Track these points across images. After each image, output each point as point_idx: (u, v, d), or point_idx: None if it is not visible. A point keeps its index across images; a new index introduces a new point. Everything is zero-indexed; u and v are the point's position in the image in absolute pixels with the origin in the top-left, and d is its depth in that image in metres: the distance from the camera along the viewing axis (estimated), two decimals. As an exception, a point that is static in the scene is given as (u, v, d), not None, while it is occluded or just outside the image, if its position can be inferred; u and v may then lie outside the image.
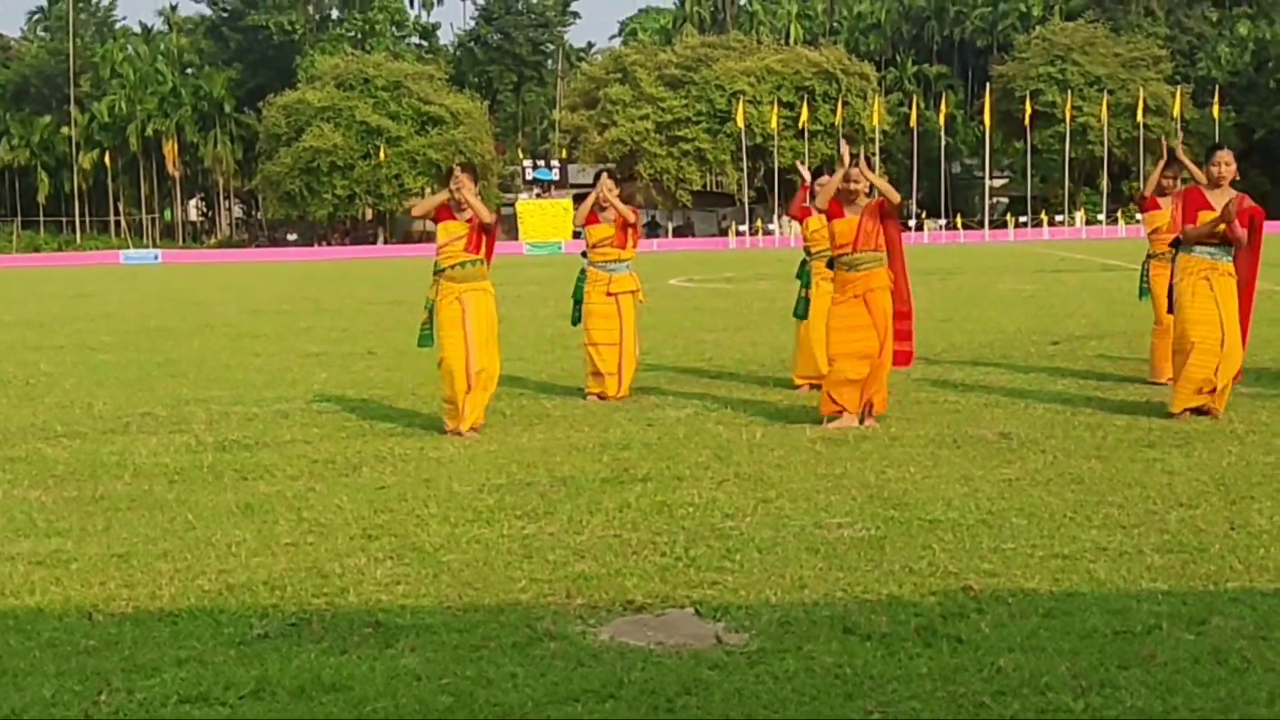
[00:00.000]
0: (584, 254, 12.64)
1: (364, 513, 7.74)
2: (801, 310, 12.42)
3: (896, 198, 10.36)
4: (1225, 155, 10.53)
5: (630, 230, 12.50)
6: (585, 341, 12.42)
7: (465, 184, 10.50)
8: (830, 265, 10.61)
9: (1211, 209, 10.20)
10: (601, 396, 12.17)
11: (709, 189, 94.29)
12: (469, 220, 10.47)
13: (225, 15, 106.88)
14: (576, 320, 12.59)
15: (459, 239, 10.42)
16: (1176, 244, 10.46)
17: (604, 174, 12.71)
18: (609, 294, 12.38)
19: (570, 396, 12.38)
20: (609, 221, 12.46)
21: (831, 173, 10.81)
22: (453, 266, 10.42)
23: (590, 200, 12.50)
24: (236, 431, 10.86)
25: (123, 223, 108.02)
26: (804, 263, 12.56)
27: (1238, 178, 10.46)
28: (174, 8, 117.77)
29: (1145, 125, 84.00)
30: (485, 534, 7.13)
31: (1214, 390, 10.09)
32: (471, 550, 6.76)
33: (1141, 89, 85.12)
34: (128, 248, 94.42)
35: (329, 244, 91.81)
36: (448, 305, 10.40)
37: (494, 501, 7.91)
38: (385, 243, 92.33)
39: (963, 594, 5.68)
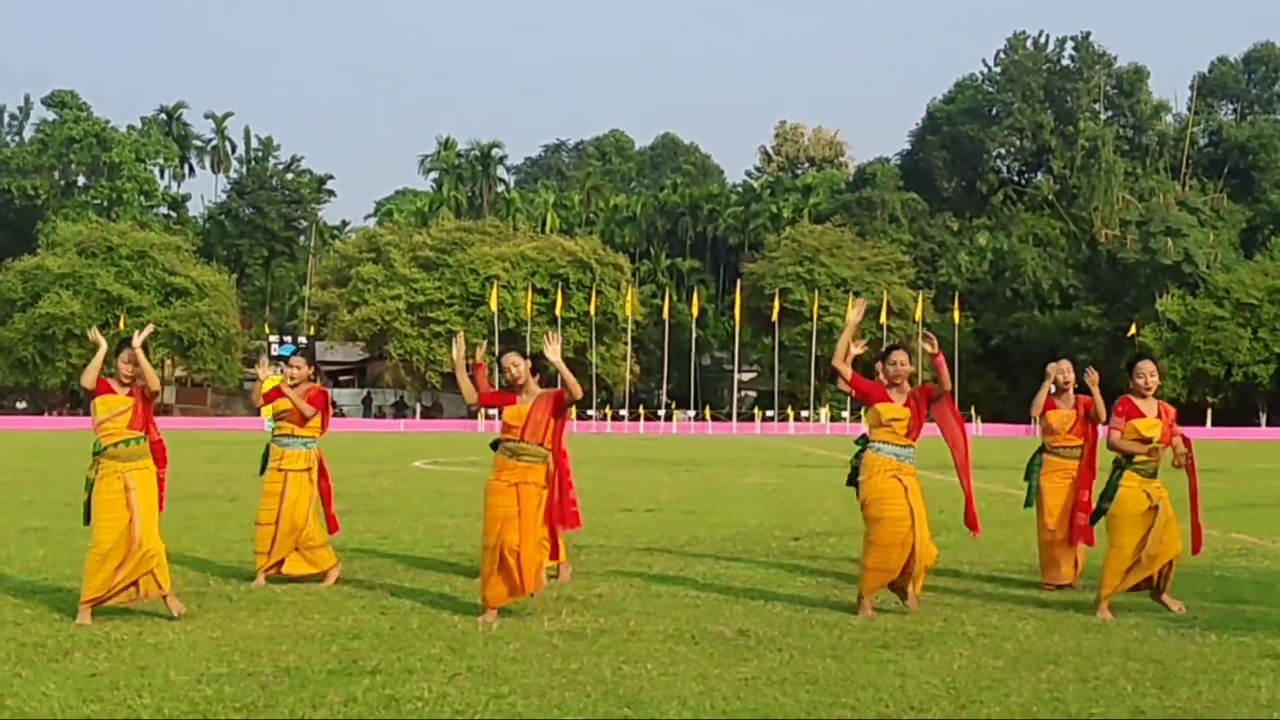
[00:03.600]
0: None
1: (72, 702, 7.31)
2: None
3: (578, 392, 10.38)
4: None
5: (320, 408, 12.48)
6: (255, 520, 12.31)
7: (138, 357, 10.22)
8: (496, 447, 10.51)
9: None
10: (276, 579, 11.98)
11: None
12: (130, 393, 10.14)
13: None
14: None
15: (121, 414, 10.08)
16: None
17: (295, 356, 12.61)
18: (279, 469, 12.23)
19: (302, 582, 11.99)
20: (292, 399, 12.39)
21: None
22: (115, 445, 10.03)
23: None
24: (-59, 611, 10.24)
25: None
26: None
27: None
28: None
29: (888, 327, 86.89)
30: (200, 728, 6.77)
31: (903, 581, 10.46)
32: (182, 747, 6.39)
33: (885, 292, 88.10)
34: None
35: (60, 413, 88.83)
36: (109, 484, 9.99)
37: (212, 692, 7.54)
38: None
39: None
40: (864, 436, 10.85)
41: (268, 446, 12.42)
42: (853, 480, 11.85)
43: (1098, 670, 8.38)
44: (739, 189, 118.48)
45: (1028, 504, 12.68)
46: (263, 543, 12.10)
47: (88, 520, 10.20)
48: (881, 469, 10.51)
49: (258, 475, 12.45)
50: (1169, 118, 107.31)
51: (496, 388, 11.18)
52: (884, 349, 11.13)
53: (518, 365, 10.46)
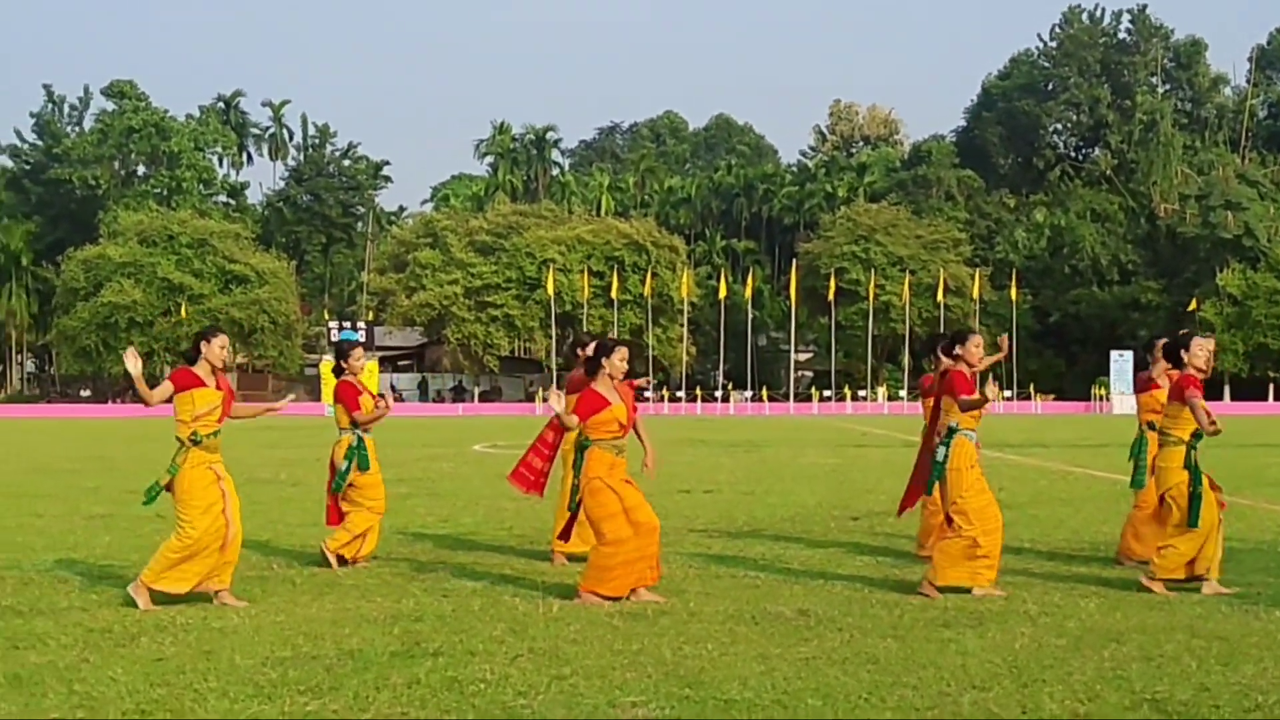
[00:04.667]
0: (353, 425, 12.34)
1: (139, 686, 7.39)
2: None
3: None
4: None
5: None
6: (364, 508, 12.18)
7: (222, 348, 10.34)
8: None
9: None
10: (345, 559, 12.07)
11: (517, 355, 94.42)
12: (218, 386, 10.22)
13: (27, 168, 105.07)
14: (340, 487, 12.25)
15: (216, 408, 10.14)
16: None
17: (355, 348, 12.71)
18: (375, 460, 12.39)
19: (365, 564, 12.08)
20: (368, 392, 12.53)
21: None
22: (209, 436, 10.10)
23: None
24: (10, 597, 10.37)
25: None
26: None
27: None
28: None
29: (945, 305, 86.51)
30: (265, 710, 6.86)
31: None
32: (248, 729, 6.47)
33: (942, 270, 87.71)
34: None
35: (123, 401, 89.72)
36: (201, 475, 10.03)
37: (277, 676, 7.62)
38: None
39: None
40: (951, 428, 10.49)
41: (361, 440, 12.25)
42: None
43: (1162, 648, 8.33)
44: (794, 169, 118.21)
45: (1136, 483, 11.95)
46: (365, 522, 12.18)
47: (152, 500, 10.20)
48: (971, 458, 10.37)
49: (363, 471, 12.22)
50: (1227, 90, 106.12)
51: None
52: (958, 332, 10.93)
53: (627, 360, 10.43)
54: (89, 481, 22.90)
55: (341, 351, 12.63)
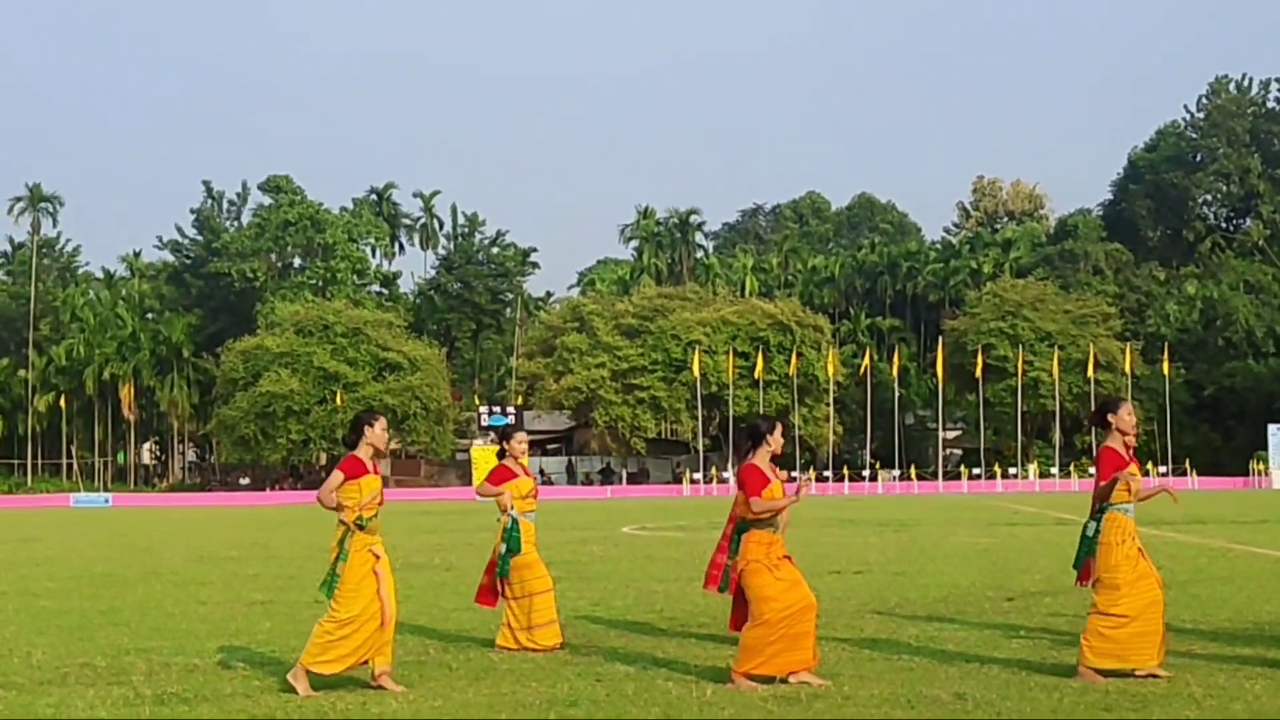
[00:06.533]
0: (508, 509, 12.43)
1: (302, 772, 7.52)
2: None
3: None
4: None
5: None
6: (524, 594, 12.20)
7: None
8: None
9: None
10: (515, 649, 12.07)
11: (664, 436, 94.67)
12: (375, 470, 10.44)
13: (188, 262, 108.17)
14: (505, 571, 12.33)
15: (379, 492, 10.37)
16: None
17: (518, 432, 12.84)
18: (530, 543, 12.40)
19: (518, 649, 12.15)
20: (526, 475, 12.62)
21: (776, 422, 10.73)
22: (371, 518, 10.31)
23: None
24: (176, 684, 10.57)
25: (75, 465, 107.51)
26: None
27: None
28: (137, 254, 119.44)
29: (1096, 380, 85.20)
30: (426, 796, 6.93)
31: None
32: (410, 814, 6.55)
33: (1092, 345, 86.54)
34: (79, 490, 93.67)
35: (281, 488, 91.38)
36: (363, 558, 10.21)
37: (436, 761, 7.71)
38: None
39: None
40: (1102, 506, 10.26)
41: (516, 523, 12.28)
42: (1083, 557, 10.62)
43: (1331, 731, 8.12)
44: (938, 246, 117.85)
45: None
46: (549, 611, 12.25)
47: (330, 591, 10.30)
48: (1129, 534, 10.13)
49: (516, 553, 12.27)
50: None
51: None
52: (1108, 400, 10.75)
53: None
54: (249, 569, 23.31)
55: (505, 434, 12.81)
